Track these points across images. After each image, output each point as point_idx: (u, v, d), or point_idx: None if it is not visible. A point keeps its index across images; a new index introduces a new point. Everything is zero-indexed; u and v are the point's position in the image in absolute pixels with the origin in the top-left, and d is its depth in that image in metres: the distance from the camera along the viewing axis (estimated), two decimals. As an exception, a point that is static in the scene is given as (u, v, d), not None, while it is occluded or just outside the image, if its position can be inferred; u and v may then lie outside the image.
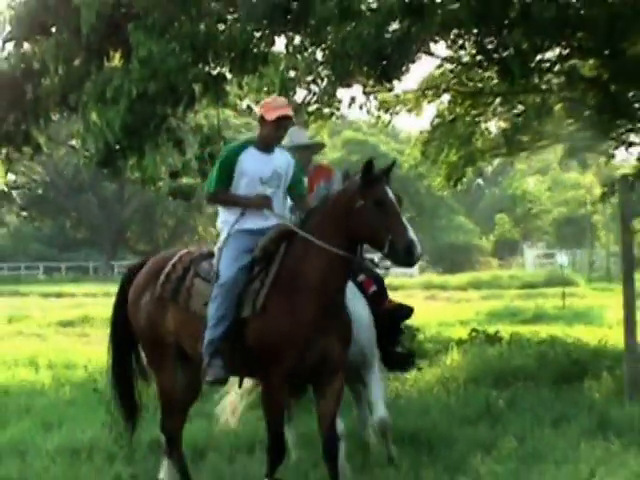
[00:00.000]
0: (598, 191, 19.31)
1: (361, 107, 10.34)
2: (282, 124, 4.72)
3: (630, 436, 5.69)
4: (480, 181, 55.34)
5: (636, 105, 11.07)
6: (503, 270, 41.29)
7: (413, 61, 8.42)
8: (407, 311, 5.70)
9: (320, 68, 8.61)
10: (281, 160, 4.81)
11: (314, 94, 9.14)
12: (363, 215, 4.28)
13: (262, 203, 4.64)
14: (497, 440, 5.73)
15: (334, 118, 10.81)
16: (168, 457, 4.97)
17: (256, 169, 4.68)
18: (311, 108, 9.64)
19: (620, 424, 6.08)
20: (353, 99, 9.93)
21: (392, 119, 12.21)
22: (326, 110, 9.96)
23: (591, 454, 5.18)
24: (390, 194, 4.35)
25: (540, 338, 10.21)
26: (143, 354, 5.22)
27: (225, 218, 4.80)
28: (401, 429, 5.82)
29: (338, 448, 4.58)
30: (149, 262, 5.23)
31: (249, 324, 4.45)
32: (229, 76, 9.42)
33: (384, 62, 7.76)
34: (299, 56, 8.58)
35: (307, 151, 5.62)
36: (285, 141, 5.24)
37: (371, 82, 9.01)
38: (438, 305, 21.89)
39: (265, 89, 9.10)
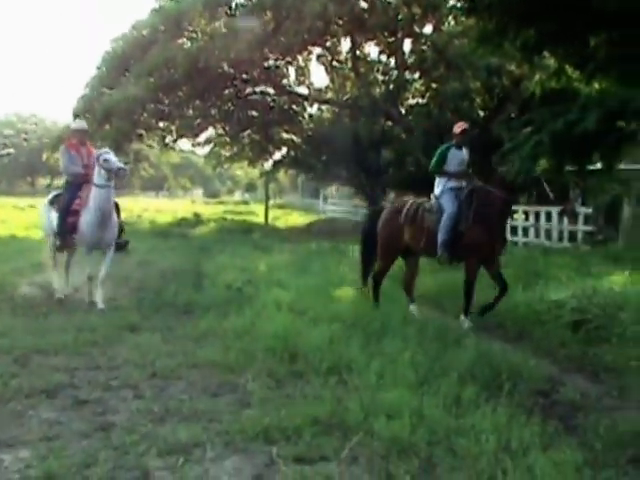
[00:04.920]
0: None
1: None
2: (463, 134, 8.69)
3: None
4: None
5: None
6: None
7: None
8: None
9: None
10: (464, 153, 8.73)
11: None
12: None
13: (463, 176, 8.64)
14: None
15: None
16: (373, 288, 9.13)
17: (455, 157, 8.67)
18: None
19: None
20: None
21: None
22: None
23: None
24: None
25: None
26: (380, 251, 9.16)
27: (439, 182, 8.71)
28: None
29: (506, 285, 8.30)
30: (390, 207, 9.38)
31: (464, 233, 8.31)
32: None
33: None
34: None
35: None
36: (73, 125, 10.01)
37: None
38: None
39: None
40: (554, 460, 3.95)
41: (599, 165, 7.15)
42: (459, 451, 4.16)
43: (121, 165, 8.98)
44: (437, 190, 8.74)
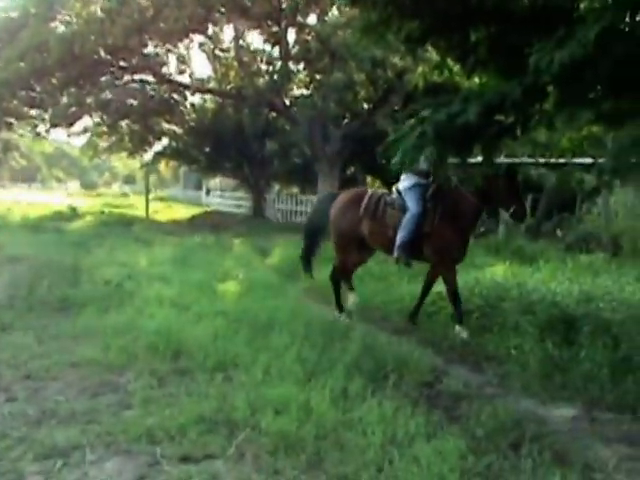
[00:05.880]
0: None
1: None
2: None
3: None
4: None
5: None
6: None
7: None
8: None
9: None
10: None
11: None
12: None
13: (430, 173, 7.68)
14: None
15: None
16: (334, 285, 8.45)
17: None
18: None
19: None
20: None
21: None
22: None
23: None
24: None
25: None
26: (334, 243, 8.40)
27: (405, 177, 7.78)
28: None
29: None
30: (346, 194, 8.45)
31: (429, 235, 7.55)
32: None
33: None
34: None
35: None
36: None
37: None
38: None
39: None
40: (438, 449, 4.02)
41: (479, 158, 7.32)
42: (346, 444, 4.16)
43: None
44: (402, 185, 7.88)
